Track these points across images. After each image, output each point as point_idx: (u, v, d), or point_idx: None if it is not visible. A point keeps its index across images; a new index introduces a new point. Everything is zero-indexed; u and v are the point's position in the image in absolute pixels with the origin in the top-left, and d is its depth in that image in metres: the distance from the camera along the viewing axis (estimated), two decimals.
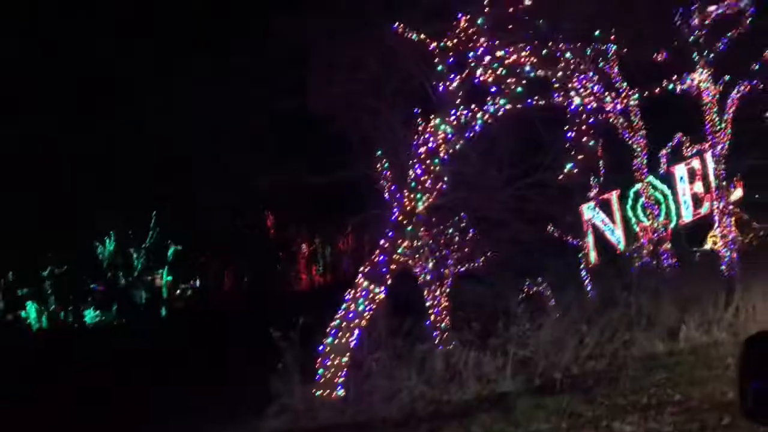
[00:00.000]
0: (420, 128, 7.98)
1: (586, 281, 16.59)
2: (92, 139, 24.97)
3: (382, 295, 8.10)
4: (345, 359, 7.95)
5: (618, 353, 8.17)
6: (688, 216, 19.93)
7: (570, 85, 7.39)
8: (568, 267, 15.24)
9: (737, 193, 19.30)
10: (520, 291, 12.97)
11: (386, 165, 8.81)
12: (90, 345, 20.78)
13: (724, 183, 15.97)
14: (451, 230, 12.89)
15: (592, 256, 20.32)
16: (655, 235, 16.68)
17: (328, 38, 7.84)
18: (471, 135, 7.93)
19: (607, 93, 8.93)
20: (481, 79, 7.30)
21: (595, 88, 8.36)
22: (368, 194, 9.16)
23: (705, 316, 8.99)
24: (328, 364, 7.91)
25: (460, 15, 7.51)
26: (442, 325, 12.61)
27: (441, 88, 7.77)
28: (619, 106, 9.04)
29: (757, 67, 15.20)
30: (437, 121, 7.81)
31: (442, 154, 7.89)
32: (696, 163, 19.33)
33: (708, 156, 17.42)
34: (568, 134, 7.43)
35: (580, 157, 7.31)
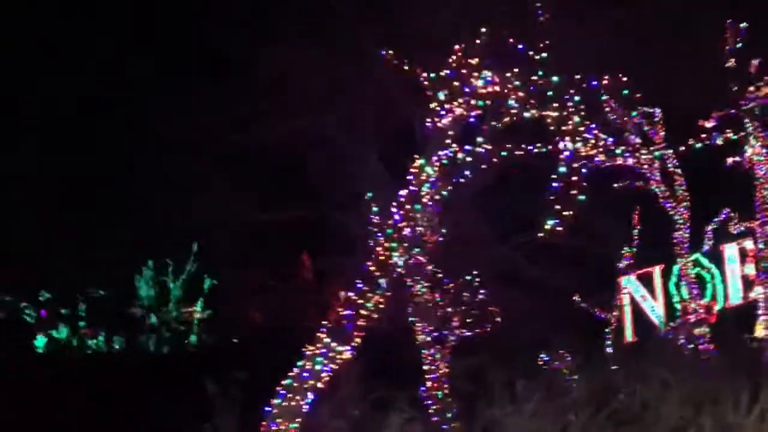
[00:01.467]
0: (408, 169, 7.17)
1: (611, 361, 15.27)
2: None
3: (347, 355, 7.18)
4: (294, 425, 7.03)
5: None
6: (735, 299, 18.54)
7: (565, 128, 6.50)
8: (593, 343, 13.98)
9: None
10: (530, 365, 11.84)
11: (374, 209, 7.99)
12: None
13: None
14: (458, 287, 11.94)
15: (629, 333, 19.03)
16: (694, 316, 15.30)
17: (308, 66, 7.15)
18: (459, 180, 7.06)
19: (620, 146, 7.90)
20: (458, 112, 6.48)
21: (609, 139, 7.42)
22: (338, 237, 8.36)
23: (722, 419, 7.73)
24: (274, 429, 7.01)
25: (456, 44, 6.72)
26: (439, 393, 11.53)
27: (429, 125, 6.96)
28: (630, 161, 7.98)
29: None
30: (421, 161, 6.99)
31: (425, 200, 7.04)
32: (749, 243, 17.95)
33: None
34: (553, 185, 6.51)
35: (566, 213, 6.36)
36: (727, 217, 15.45)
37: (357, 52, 7.12)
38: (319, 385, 7.20)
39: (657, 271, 19.15)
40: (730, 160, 15.01)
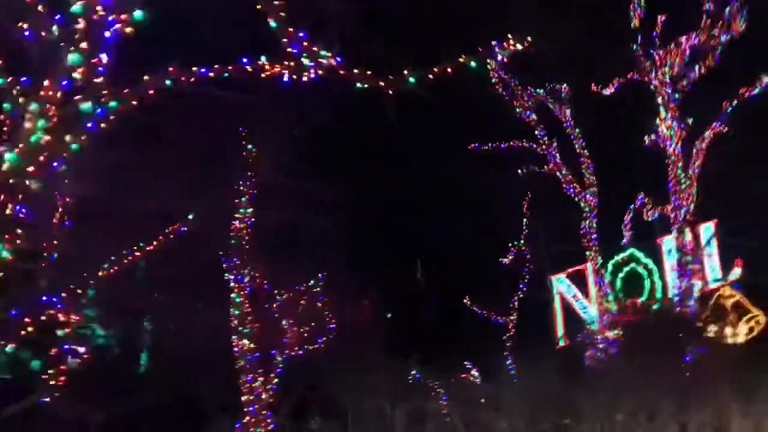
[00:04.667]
0: None
1: (512, 371, 13.17)
2: None
3: None
4: None
5: None
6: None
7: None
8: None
9: (735, 273, 15.58)
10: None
11: None
12: None
13: (687, 258, 12.48)
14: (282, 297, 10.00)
15: (561, 336, 17.05)
16: (607, 317, 13.24)
17: None
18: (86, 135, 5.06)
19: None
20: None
21: (339, 59, 5.35)
22: None
23: None
24: None
25: None
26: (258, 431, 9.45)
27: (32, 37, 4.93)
28: (315, 72, 5.57)
29: (730, 108, 11.66)
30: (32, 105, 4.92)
31: (32, 168, 4.97)
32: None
33: (701, 228, 14.04)
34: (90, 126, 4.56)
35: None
36: (642, 203, 13.31)
37: None
38: None
39: (590, 268, 17.11)
40: (647, 139, 12.97)
